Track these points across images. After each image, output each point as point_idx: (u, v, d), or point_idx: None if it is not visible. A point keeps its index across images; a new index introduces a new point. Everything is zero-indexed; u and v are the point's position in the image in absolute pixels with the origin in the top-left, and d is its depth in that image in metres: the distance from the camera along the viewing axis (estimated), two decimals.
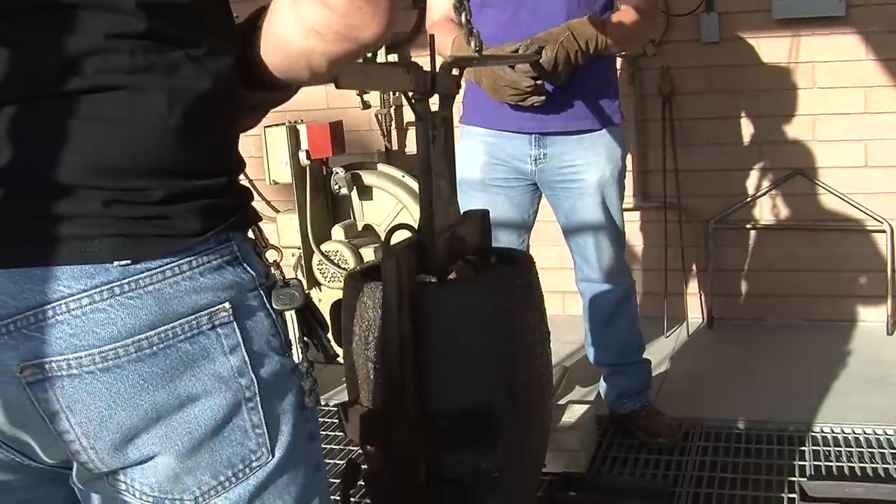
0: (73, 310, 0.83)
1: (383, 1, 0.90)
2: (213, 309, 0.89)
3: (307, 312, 0.97)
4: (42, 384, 0.85)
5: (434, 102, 1.47)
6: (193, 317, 0.88)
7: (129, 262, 0.84)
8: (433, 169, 1.49)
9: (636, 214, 3.89)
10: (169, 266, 0.87)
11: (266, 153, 3.46)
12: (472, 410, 1.42)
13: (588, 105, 2.52)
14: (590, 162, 2.54)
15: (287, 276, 0.97)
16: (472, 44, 1.83)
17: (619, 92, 2.64)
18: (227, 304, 0.89)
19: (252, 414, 0.92)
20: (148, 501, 0.91)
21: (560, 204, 2.64)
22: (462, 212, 1.60)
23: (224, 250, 0.91)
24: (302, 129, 3.41)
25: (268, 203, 3.97)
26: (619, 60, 3.15)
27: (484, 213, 1.69)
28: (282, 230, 3.53)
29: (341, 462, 2.68)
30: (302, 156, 3.38)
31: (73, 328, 0.84)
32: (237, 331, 0.90)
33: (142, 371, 0.86)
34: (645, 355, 2.91)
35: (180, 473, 0.90)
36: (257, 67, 0.97)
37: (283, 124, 3.43)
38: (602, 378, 2.93)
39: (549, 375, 1.55)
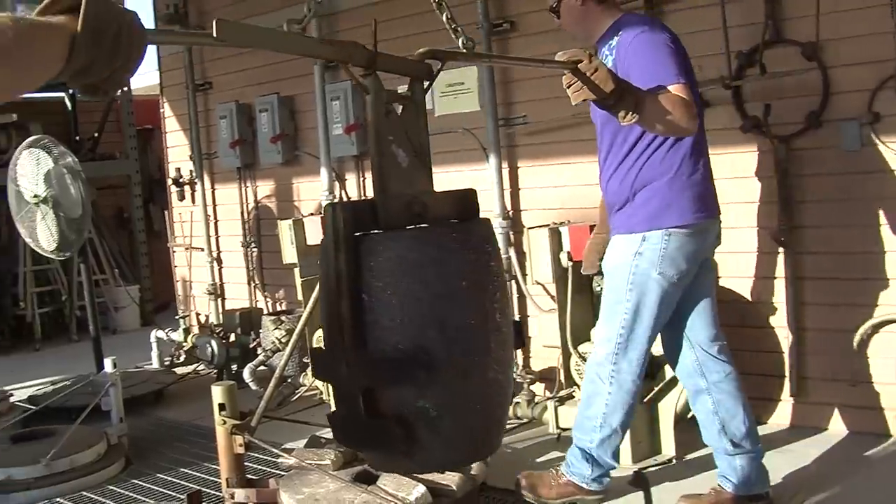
0: None
1: None
2: None
3: None
4: None
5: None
6: None
7: None
8: (388, 137, 1.67)
9: None
10: None
11: (529, 253, 3.62)
12: (406, 348, 1.56)
13: (619, 214, 3.10)
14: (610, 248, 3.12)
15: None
16: (460, 41, 2.01)
17: (649, 206, 3.03)
18: None
19: None
20: None
21: None
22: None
23: None
24: (564, 231, 3.54)
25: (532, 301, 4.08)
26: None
27: (466, 191, 1.85)
28: (543, 329, 3.71)
29: None
30: (563, 257, 3.52)
31: None
32: None
33: None
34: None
35: None
36: None
37: (546, 226, 3.57)
38: None
39: (496, 324, 1.66)
